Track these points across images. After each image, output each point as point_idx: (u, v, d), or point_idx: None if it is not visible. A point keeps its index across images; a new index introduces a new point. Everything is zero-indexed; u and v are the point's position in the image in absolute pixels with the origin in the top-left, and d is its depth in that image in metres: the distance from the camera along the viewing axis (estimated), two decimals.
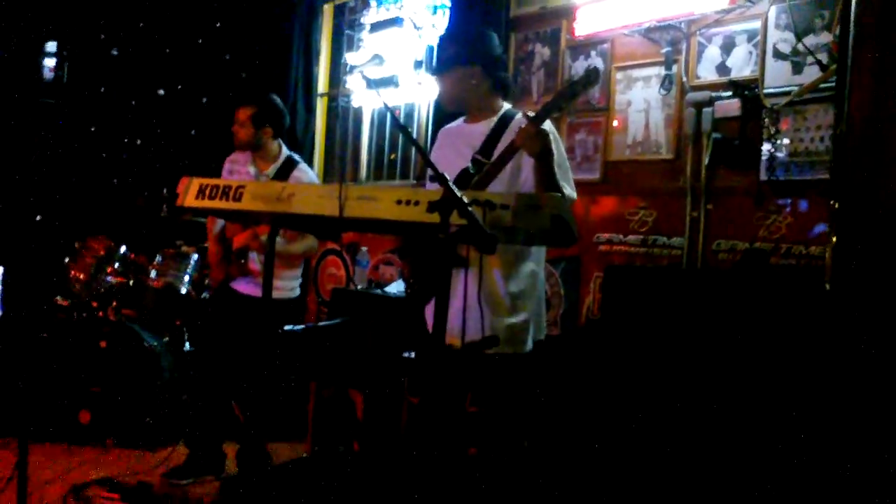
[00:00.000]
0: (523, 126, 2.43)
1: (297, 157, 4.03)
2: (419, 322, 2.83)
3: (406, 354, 3.49)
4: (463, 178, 2.60)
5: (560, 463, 2.96)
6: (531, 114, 2.47)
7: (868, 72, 2.18)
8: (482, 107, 2.78)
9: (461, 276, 2.28)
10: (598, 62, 4.13)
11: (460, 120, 2.91)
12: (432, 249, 2.66)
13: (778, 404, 2.48)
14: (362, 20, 5.60)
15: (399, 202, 2.02)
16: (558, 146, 2.59)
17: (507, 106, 2.81)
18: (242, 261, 3.84)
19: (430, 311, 2.82)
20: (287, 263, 3.88)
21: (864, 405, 2.16)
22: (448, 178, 2.61)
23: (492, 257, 2.54)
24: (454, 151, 2.77)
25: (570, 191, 2.55)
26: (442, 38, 2.91)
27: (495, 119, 2.75)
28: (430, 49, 5.14)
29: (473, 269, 2.45)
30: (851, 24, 2.24)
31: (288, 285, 3.94)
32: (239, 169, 3.98)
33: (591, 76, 2.42)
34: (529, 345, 2.66)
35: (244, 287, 3.88)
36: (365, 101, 5.70)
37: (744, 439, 2.54)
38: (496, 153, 2.58)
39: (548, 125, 2.52)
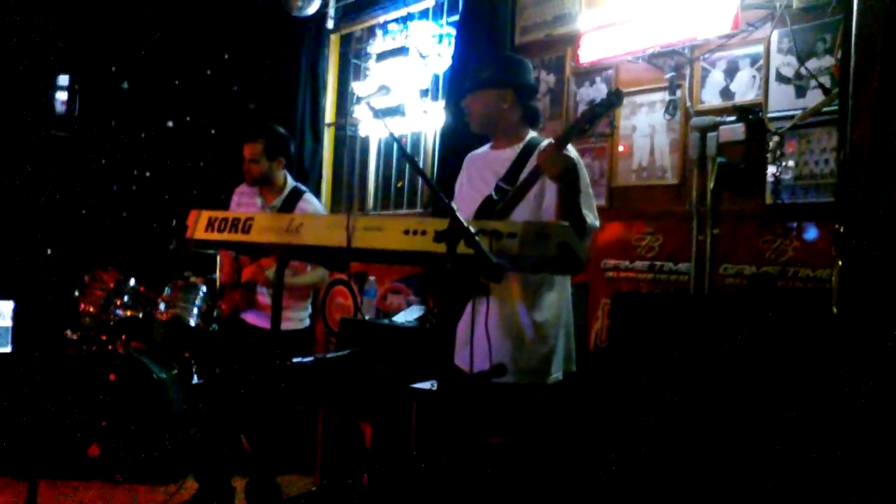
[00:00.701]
0: (545, 148, 2.42)
1: (302, 187, 4.05)
2: (445, 352, 2.78)
3: (419, 385, 3.48)
4: (487, 205, 2.61)
5: (573, 491, 2.93)
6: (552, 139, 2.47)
7: (870, 95, 2.18)
8: (509, 133, 2.76)
9: (482, 306, 2.27)
10: (602, 88, 4.16)
11: (486, 147, 2.89)
12: (453, 279, 2.64)
13: (788, 428, 2.46)
14: (368, 50, 5.66)
15: (406, 232, 2.03)
16: (582, 173, 2.56)
17: (533, 134, 2.80)
18: (250, 293, 3.85)
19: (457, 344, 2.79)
20: (295, 295, 3.88)
21: (873, 428, 2.14)
22: (473, 205, 2.62)
23: (515, 286, 2.54)
24: (479, 178, 2.77)
25: (592, 219, 2.51)
26: (478, 60, 2.90)
27: (521, 146, 2.73)
28: (436, 78, 5.19)
29: (497, 298, 2.45)
30: (853, 49, 2.26)
31: (297, 316, 3.94)
32: (246, 201, 4.00)
33: (613, 98, 2.41)
34: (554, 375, 2.60)
35: (253, 319, 3.88)
36: (372, 130, 5.74)
37: (756, 462, 2.52)
38: (521, 180, 2.57)
39: (572, 151, 2.52)
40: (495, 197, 2.60)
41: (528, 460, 2.62)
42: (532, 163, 2.56)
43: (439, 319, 2.83)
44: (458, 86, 4.63)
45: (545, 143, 2.66)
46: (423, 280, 2.97)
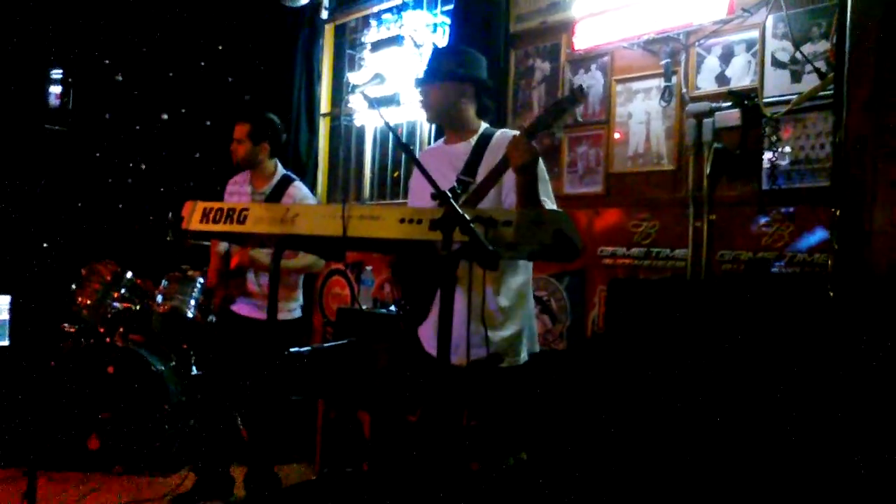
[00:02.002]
0: (515, 137, 2.44)
1: (292, 174, 4.05)
2: (413, 342, 2.84)
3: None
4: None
5: (567, 476, 2.94)
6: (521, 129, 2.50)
7: (865, 79, 2.18)
8: (464, 126, 2.84)
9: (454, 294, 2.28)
10: (598, 75, 4.15)
11: (440, 142, 2.96)
12: (422, 268, 2.69)
13: (785, 412, 2.47)
14: (363, 39, 5.64)
15: (402, 221, 2.03)
16: (540, 162, 2.61)
17: (485, 125, 2.86)
18: (240, 280, 3.85)
19: (422, 332, 2.83)
20: (284, 283, 3.87)
21: (870, 411, 2.15)
22: (438, 197, 2.64)
23: (480, 272, 2.57)
24: (437, 173, 2.76)
25: (550, 204, 2.58)
26: (438, 51, 2.94)
27: (475, 139, 2.79)
28: None
29: (462, 285, 2.48)
30: (847, 33, 2.25)
31: (285, 306, 3.93)
32: (238, 189, 4.01)
33: (576, 94, 2.44)
34: (524, 356, 2.70)
35: (244, 309, 3.89)
36: (367, 119, 5.73)
37: (752, 446, 2.53)
38: (480, 171, 2.63)
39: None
40: (458, 189, 2.63)
41: (510, 441, 2.67)
42: (489, 155, 2.64)
43: (408, 311, 2.85)
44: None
45: (498, 133, 2.75)
46: (393, 271, 2.97)
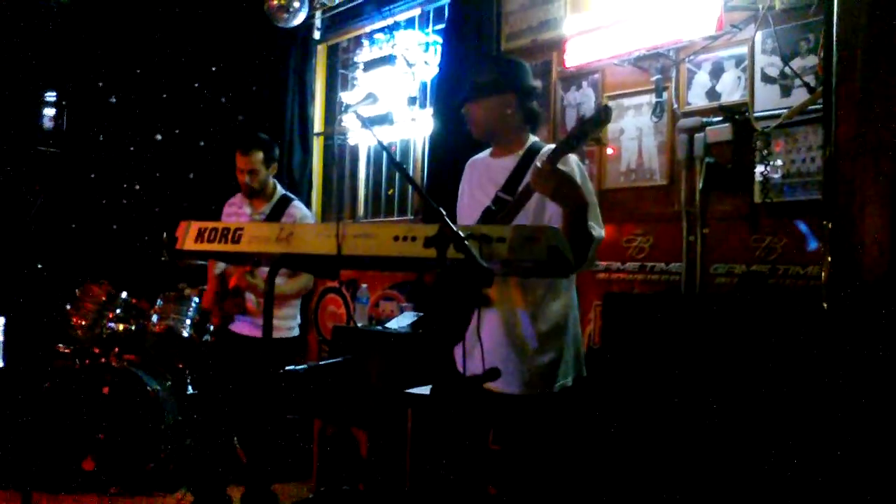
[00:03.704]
0: (535, 166, 2.35)
1: (290, 194, 4.06)
2: (447, 363, 2.75)
3: (413, 391, 3.48)
4: (486, 217, 2.56)
5: (563, 490, 2.94)
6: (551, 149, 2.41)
7: (853, 93, 2.21)
8: (511, 139, 2.69)
9: (486, 317, 2.26)
10: (589, 92, 4.18)
11: (486, 153, 2.82)
12: (453, 289, 2.59)
13: (780, 424, 2.48)
14: (356, 59, 5.68)
15: (396, 238, 2.03)
16: (585, 182, 2.49)
17: (533, 139, 2.73)
18: (238, 299, 3.85)
19: (458, 352, 2.77)
20: (282, 302, 3.88)
21: (865, 422, 2.16)
22: (473, 216, 2.60)
23: (519, 296, 2.51)
24: (479, 188, 2.72)
25: (598, 230, 2.44)
26: (476, 64, 2.81)
27: (521, 153, 2.66)
28: (424, 85, 5.21)
29: (500, 308, 2.45)
30: (835, 47, 2.28)
31: (284, 325, 3.93)
32: (237, 212, 4.01)
33: (602, 114, 2.31)
34: (561, 382, 2.54)
35: (241, 328, 3.89)
36: (361, 138, 5.76)
37: (749, 458, 2.53)
38: (520, 189, 2.51)
39: (572, 161, 2.47)
40: (493, 208, 2.56)
41: (524, 465, 2.61)
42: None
43: (439, 330, 2.78)
44: (446, 93, 4.64)
45: (545, 149, 2.59)
46: (416, 290, 2.94)
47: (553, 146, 2.42)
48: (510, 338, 2.50)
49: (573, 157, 2.48)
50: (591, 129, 2.34)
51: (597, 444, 2.94)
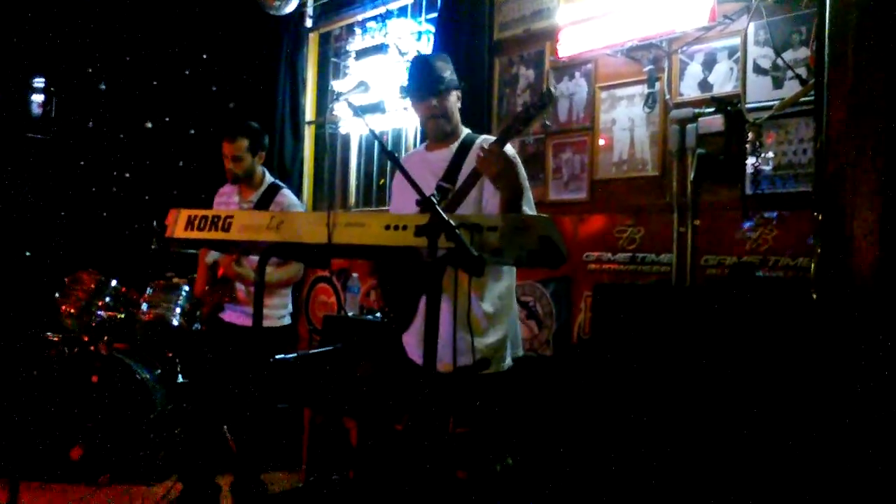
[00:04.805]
0: (482, 148, 2.46)
1: (279, 182, 4.06)
2: (398, 349, 2.84)
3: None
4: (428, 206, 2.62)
5: (554, 480, 2.95)
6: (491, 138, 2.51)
7: (845, 85, 2.21)
8: (454, 132, 2.85)
9: (441, 301, 2.28)
10: (581, 82, 4.17)
11: (420, 147, 2.98)
12: (406, 274, 2.69)
13: (770, 415, 2.48)
14: (348, 48, 5.65)
15: (387, 227, 2.04)
16: (520, 170, 2.64)
17: (467, 131, 2.87)
18: (227, 288, 3.84)
19: (407, 338, 2.83)
20: (272, 291, 3.87)
21: (854, 413, 2.17)
22: (412, 205, 2.64)
23: (464, 279, 2.56)
24: (418, 179, 2.78)
25: (529, 211, 2.59)
26: (433, 59, 2.90)
27: (456, 144, 2.80)
28: None
29: (447, 292, 2.48)
30: (826, 39, 2.28)
31: (275, 314, 3.93)
32: (227, 201, 4.00)
33: (545, 98, 2.45)
34: (508, 362, 2.71)
35: (231, 317, 3.88)
36: (352, 127, 5.73)
37: (738, 449, 2.54)
38: (460, 178, 2.63)
39: (508, 148, 2.57)
40: (437, 197, 2.60)
41: (496, 448, 2.66)
42: (471, 161, 2.62)
43: (392, 318, 2.85)
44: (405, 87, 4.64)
45: (479, 139, 2.75)
46: (379, 280, 2.97)
47: (491, 137, 2.60)
48: (460, 319, 2.53)
49: (509, 147, 2.60)
50: (535, 112, 2.46)
51: (587, 433, 2.94)
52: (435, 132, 2.86)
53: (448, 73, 2.81)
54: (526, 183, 2.64)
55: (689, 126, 3.64)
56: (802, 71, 3.29)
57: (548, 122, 4.16)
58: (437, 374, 2.52)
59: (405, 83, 2.93)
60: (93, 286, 4.82)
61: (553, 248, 2.05)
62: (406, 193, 2.79)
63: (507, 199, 2.47)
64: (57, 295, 4.80)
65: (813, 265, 2.31)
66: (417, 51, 5.06)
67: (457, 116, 2.87)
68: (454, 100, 2.84)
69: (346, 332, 4.19)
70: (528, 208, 2.59)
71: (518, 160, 2.67)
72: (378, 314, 4.27)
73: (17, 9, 5.94)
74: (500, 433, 2.71)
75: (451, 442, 2.71)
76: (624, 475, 2.80)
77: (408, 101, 5.13)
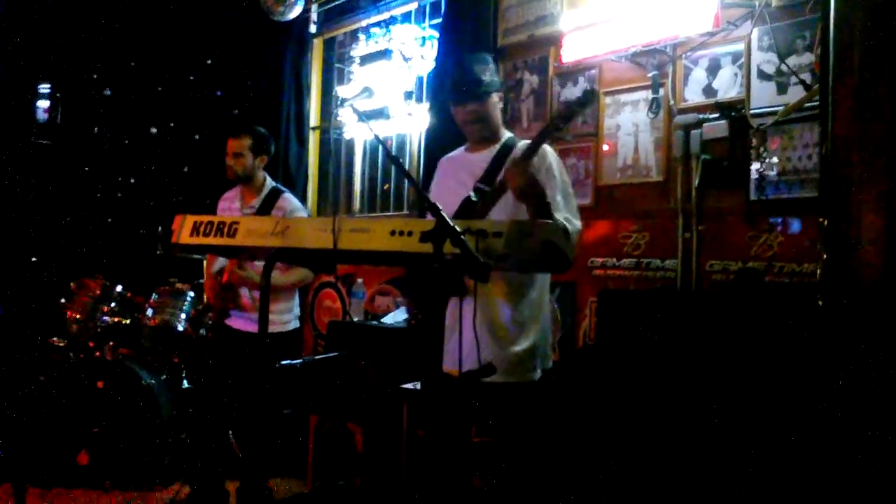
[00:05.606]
0: (511, 161, 2.44)
1: (281, 187, 4.06)
2: (430, 355, 2.79)
3: (408, 386, 3.48)
4: (466, 207, 2.60)
5: (559, 487, 2.94)
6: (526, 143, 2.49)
7: (849, 90, 2.21)
8: (495, 135, 2.79)
9: (466, 307, 2.27)
10: (585, 88, 4.17)
11: (461, 149, 2.90)
12: (434, 281, 2.65)
13: (776, 421, 2.48)
14: (352, 53, 5.66)
15: (392, 233, 2.03)
16: (562, 174, 2.62)
17: (508, 134, 2.82)
18: (231, 294, 3.84)
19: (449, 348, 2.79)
20: (277, 296, 3.87)
21: (860, 419, 2.16)
22: (450, 207, 2.64)
23: (495, 286, 2.54)
24: (456, 181, 2.78)
25: (575, 222, 2.53)
26: (471, 61, 2.83)
27: (497, 147, 2.75)
28: (420, 80, 5.19)
29: (477, 298, 2.46)
30: (831, 45, 2.28)
31: (281, 318, 3.92)
32: (230, 206, 4.01)
33: (586, 96, 2.43)
34: (537, 373, 2.63)
35: (238, 323, 3.88)
36: (357, 133, 5.74)
37: (744, 455, 2.54)
38: (499, 180, 2.58)
39: (550, 154, 2.58)
40: (474, 198, 2.59)
41: (517, 459, 2.63)
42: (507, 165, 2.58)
43: (422, 322, 2.82)
44: (442, 88, 4.63)
45: (520, 144, 2.69)
46: (404, 283, 2.96)
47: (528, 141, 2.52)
48: (489, 326, 2.51)
49: (549, 150, 2.60)
50: (576, 109, 2.45)
51: (592, 440, 2.94)
52: (474, 136, 2.79)
53: (487, 74, 2.72)
54: (567, 185, 2.62)
55: (694, 132, 3.64)
56: (807, 76, 3.29)
57: (589, 121, 4.11)
58: (446, 377, 2.52)
59: (448, 86, 2.82)
60: (98, 292, 4.83)
61: (558, 253, 2.05)
62: (444, 196, 2.79)
63: (531, 213, 2.44)
64: (63, 300, 4.81)
65: (818, 271, 2.31)
66: (422, 56, 5.07)
67: (498, 119, 2.78)
68: (495, 101, 2.75)
69: (351, 338, 4.19)
70: (573, 216, 2.53)
71: (560, 164, 2.66)
72: (384, 319, 4.28)
73: (23, 15, 5.96)
74: (523, 445, 2.63)
75: (469, 450, 2.68)
76: (630, 480, 2.79)
77: (412, 107, 5.17)
